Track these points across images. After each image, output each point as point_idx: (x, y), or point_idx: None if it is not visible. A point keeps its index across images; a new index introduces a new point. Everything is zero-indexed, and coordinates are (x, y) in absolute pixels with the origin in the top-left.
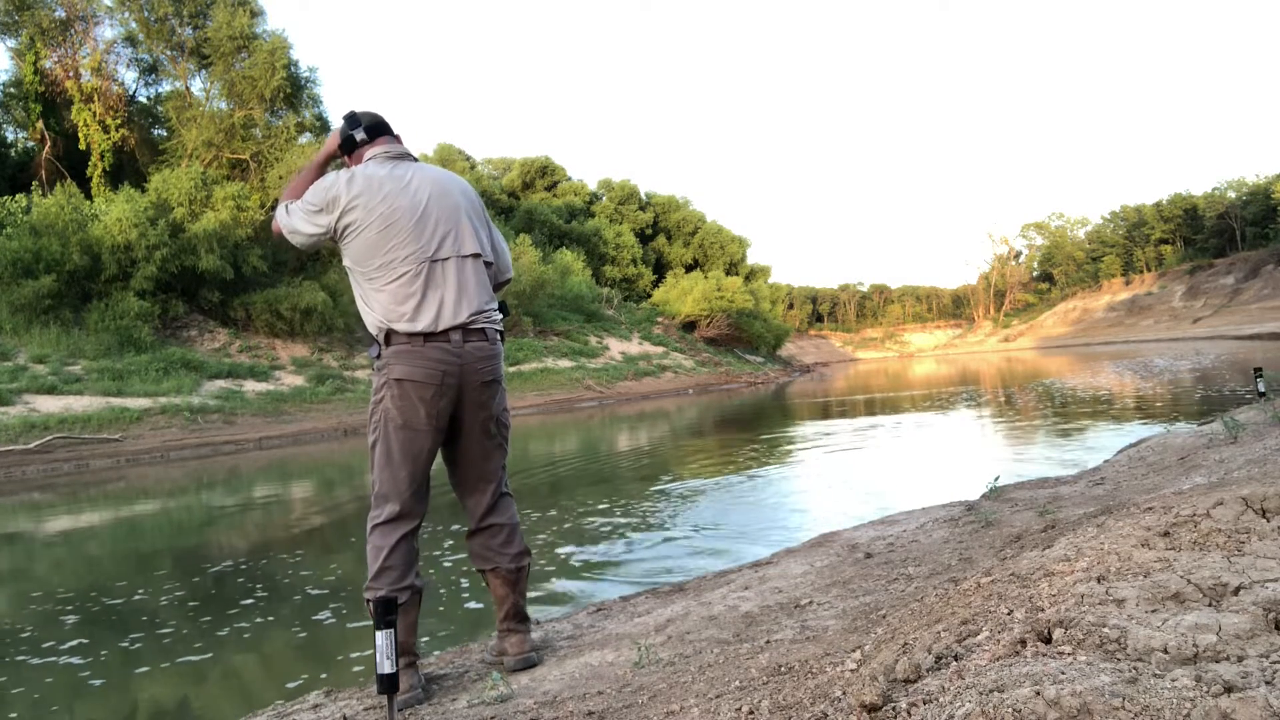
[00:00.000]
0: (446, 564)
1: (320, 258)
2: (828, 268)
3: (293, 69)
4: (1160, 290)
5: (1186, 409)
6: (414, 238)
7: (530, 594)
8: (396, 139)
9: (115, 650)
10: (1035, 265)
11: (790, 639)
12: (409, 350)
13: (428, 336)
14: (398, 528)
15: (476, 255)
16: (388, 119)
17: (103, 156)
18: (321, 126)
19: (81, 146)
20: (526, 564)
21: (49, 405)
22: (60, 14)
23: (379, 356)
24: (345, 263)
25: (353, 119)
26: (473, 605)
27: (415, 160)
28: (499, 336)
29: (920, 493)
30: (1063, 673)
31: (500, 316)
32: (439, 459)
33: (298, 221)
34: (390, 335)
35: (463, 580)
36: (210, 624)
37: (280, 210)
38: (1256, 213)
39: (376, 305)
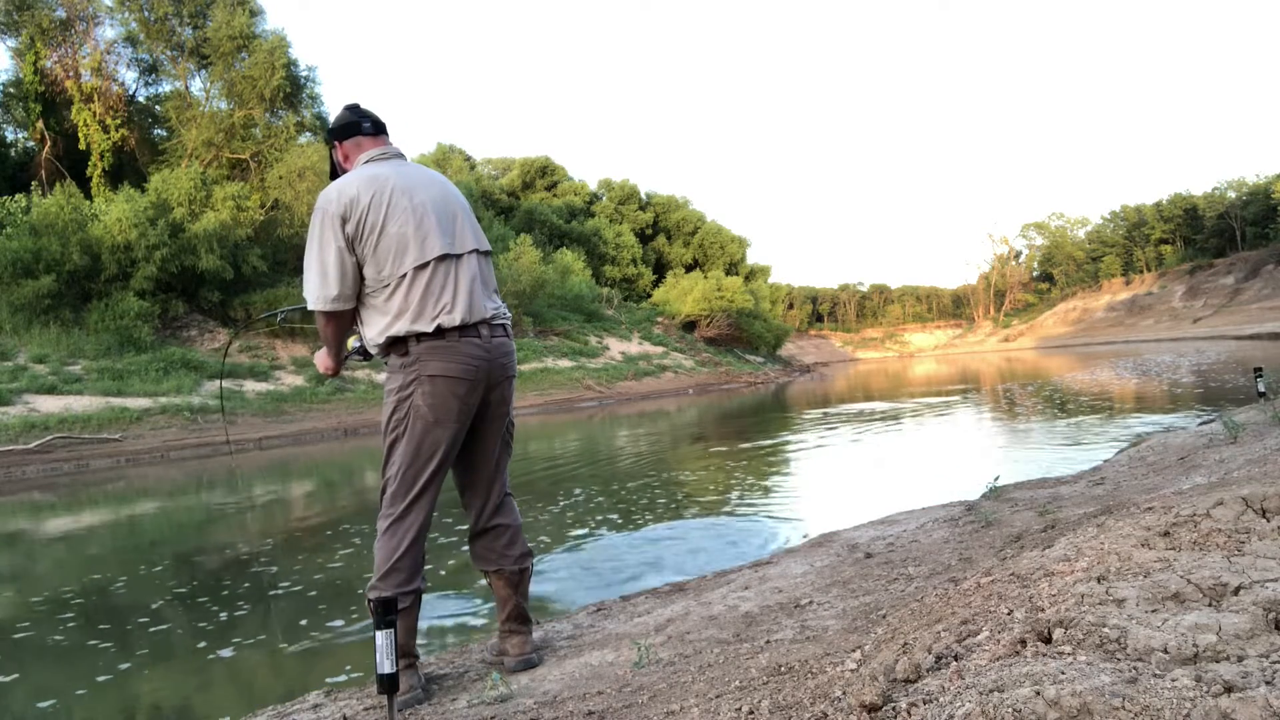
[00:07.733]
0: (446, 564)
1: None
2: (828, 268)
3: (292, 69)
4: (1160, 290)
5: (1187, 408)
6: (442, 232)
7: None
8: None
9: (114, 649)
10: (1035, 265)
11: (790, 639)
12: (444, 345)
13: (463, 331)
14: (411, 528)
15: (488, 252)
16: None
17: (103, 156)
18: (321, 126)
19: (81, 146)
20: (529, 565)
21: (49, 405)
22: (60, 14)
23: (406, 354)
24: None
25: (358, 110)
26: (473, 606)
27: (407, 160)
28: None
29: (920, 493)
30: (1063, 673)
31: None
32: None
33: (314, 265)
34: (419, 335)
35: (463, 580)
36: (210, 623)
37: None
38: (1256, 213)
39: (404, 307)
